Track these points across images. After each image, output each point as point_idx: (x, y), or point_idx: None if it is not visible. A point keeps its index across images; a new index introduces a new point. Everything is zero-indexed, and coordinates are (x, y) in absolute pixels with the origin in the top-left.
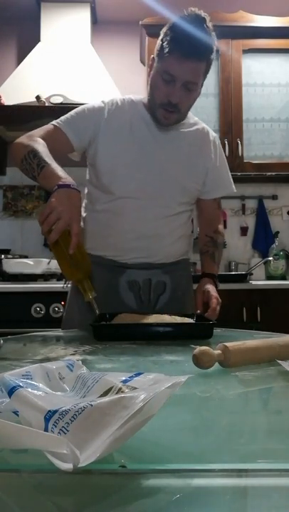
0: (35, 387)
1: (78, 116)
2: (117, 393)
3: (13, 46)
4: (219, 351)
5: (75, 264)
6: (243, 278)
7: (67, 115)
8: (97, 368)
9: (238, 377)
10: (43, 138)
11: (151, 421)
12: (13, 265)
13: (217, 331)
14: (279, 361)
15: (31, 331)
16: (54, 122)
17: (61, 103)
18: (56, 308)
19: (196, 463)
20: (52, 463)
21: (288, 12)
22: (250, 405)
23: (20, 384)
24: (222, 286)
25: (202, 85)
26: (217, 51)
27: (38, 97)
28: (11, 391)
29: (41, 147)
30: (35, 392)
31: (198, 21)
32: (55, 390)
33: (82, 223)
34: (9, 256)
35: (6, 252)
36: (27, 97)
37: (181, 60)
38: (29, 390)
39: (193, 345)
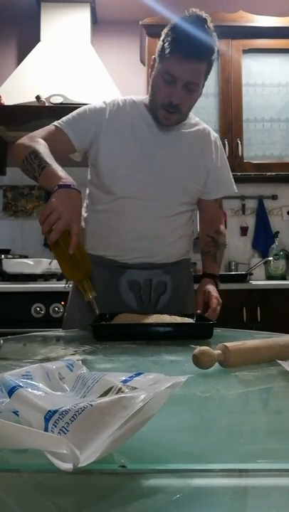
0: (35, 387)
1: (80, 117)
2: (117, 393)
3: (13, 46)
4: (219, 351)
5: (75, 264)
6: (243, 278)
7: (69, 116)
8: (97, 368)
9: (238, 377)
10: (45, 139)
11: (151, 421)
12: (13, 265)
13: (217, 331)
14: (279, 361)
15: (31, 331)
16: (55, 123)
17: (61, 103)
18: (56, 308)
19: (196, 463)
20: (52, 463)
21: (288, 12)
22: (250, 405)
23: (20, 384)
24: (222, 286)
25: (203, 86)
26: (217, 51)
27: (38, 97)
28: (11, 391)
29: (42, 148)
30: (35, 392)
31: (200, 22)
32: (55, 390)
33: (83, 223)
34: (9, 256)
35: (6, 252)
36: (27, 97)
37: (182, 61)
38: (29, 390)
39: (193, 345)
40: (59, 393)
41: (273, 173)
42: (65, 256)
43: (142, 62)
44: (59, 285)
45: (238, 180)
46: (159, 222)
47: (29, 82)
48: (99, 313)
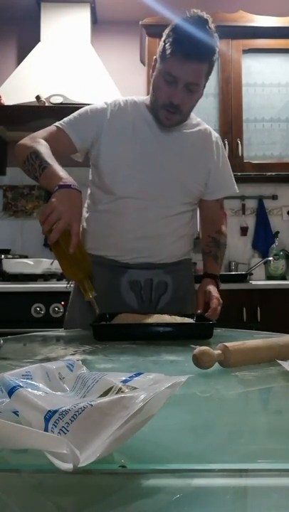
0: (35, 387)
1: (81, 118)
2: (117, 393)
3: (13, 46)
4: (219, 351)
5: (76, 263)
6: (243, 278)
7: (70, 116)
8: (97, 368)
9: (238, 377)
10: (46, 139)
11: (151, 421)
12: (13, 265)
13: (217, 331)
14: (279, 361)
15: (31, 331)
16: (57, 124)
17: (61, 103)
18: (56, 308)
19: (196, 463)
20: (52, 463)
21: (288, 12)
22: (250, 405)
23: (20, 384)
24: (222, 286)
25: (204, 86)
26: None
27: (38, 97)
28: (11, 391)
29: (43, 148)
30: (35, 392)
31: (201, 23)
32: (55, 390)
33: (84, 223)
34: (9, 256)
35: (6, 252)
36: (27, 97)
37: (183, 61)
38: (29, 390)
39: (193, 345)
40: (59, 393)
41: (273, 173)
42: (65, 256)
43: (142, 62)
44: (59, 285)
45: (238, 180)
46: (160, 222)
47: (29, 82)
48: (99, 312)
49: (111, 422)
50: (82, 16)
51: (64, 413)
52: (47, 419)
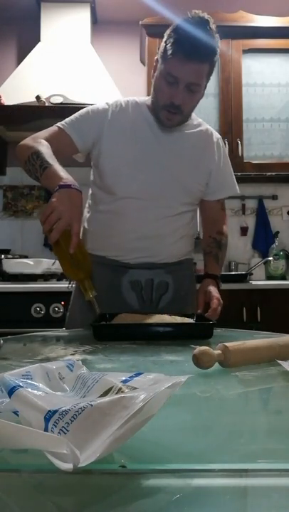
0: (35, 387)
1: (82, 118)
2: (117, 393)
3: (13, 46)
4: (219, 351)
5: (76, 263)
6: (243, 278)
7: (72, 117)
8: (97, 368)
9: (238, 377)
10: (48, 140)
11: (151, 421)
12: (13, 265)
13: (217, 331)
14: (279, 361)
15: (31, 331)
16: (59, 124)
17: (61, 103)
18: (56, 308)
19: (196, 463)
20: (52, 463)
21: (288, 12)
22: (250, 405)
23: (20, 384)
24: (222, 286)
25: (205, 87)
26: None
27: (38, 97)
28: (11, 391)
29: (44, 148)
30: (35, 392)
31: (202, 23)
32: (55, 390)
33: (85, 223)
34: (9, 256)
35: (6, 252)
36: (27, 97)
37: (184, 62)
38: (29, 390)
39: (193, 345)
40: (59, 393)
41: (273, 173)
42: (65, 255)
43: (142, 62)
44: (59, 285)
45: (238, 180)
46: (160, 222)
47: (29, 82)
48: (99, 312)
49: (111, 422)
50: (82, 16)
51: (64, 413)
52: (47, 419)
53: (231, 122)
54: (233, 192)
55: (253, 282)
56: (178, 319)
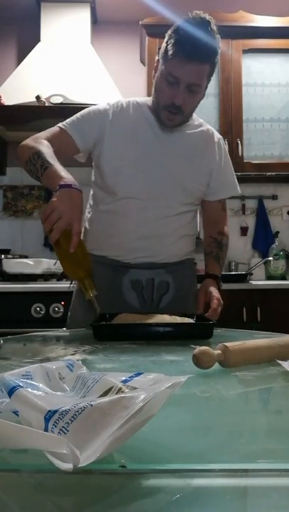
0: (35, 387)
1: (84, 119)
2: (117, 393)
3: (13, 46)
4: (219, 351)
5: (76, 262)
6: (243, 278)
7: (73, 117)
8: (97, 368)
9: (238, 377)
10: (49, 140)
11: (151, 421)
12: (13, 265)
13: (217, 331)
14: (279, 361)
15: (31, 331)
16: (60, 124)
17: (61, 103)
18: (56, 308)
19: (196, 463)
20: (52, 463)
21: (288, 12)
22: (250, 405)
23: (20, 384)
24: (222, 286)
25: (206, 87)
26: None
27: (38, 97)
28: (11, 391)
29: (45, 148)
30: (35, 392)
31: (203, 24)
32: (55, 390)
33: (86, 224)
34: (9, 256)
35: (6, 252)
36: (27, 97)
37: (185, 62)
38: (29, 390)
39: (193, 345)
40: (59, 393)
41: (273, 173)
42: (66, 255)
43: (142, 62)
44: (59, 285)
45: (238, 180)
46: (161, 222)
47: (29, 82)
48: (100, 311)
49: (111, 422)
50: (82, 16)
51: (64, 413)
52: (47, 419)
53: (231, 122)
54: (234, 192)
55: (253, 282)
56: (178, 319)
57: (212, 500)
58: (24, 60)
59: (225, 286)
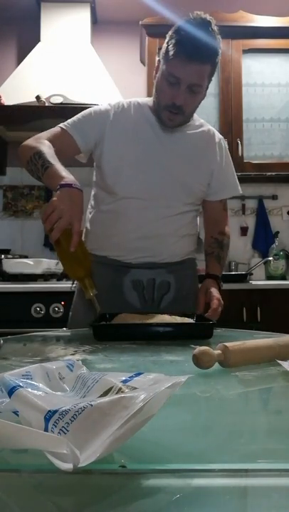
0: (35, 387)
1: (85, 119)
2: (117, 393)
3: (13, 46)
4: (219, 351)
5: (77, 262)
6: (243, 278)
7: (74, 118)
8: (97, 368)
9: (238, 377)
10: (50, 140)
11: (151, 421)
12: (13, 265)
13: (217, 331)
14: (279, 361)
15: (31, 331)
16: (61, 125)
17: (61, 103)
18: (56, 308)
19: (196, 463)
20: (52, 463)
21: (288, 12)
22: (250, 405)
23: (20, 384)
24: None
25: (207, 88)
26: None
27: (38, 97)
28: (11, 391)
29: (46, 148)
30: (35, 392)
31: (204, 24)
32: (55, 390)
33: (87, 224)
34: (9, 256)
35: (6, 252)
36: (27, 97)
37: (186, 63)
38: (29, 390)
39: (193, 345)
40: (59, 393)
41: (273, 173)
42: (66, 254)
43: (142, 62)
44: (59, 285)
45: (238, 180)
46: (161, 221)
47: (29, 82)
48: (100, 310)
49: (111, 422)
50: (82, 16)
51: (64, 413)
52: (47, 419)
53: (231, 122)
54: (236, 192)
55: (253, 282)
56: (178, 319)
57: (212, 500)
58: (24, 60)
59: (225, 286)
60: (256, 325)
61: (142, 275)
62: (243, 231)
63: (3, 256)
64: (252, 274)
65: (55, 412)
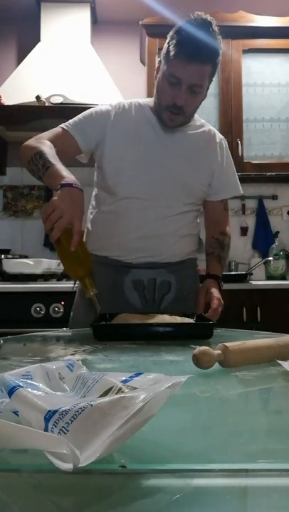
0: (35, 387)
1: (86, 120)
2: (117, 393)
3: (13, 46)
4: (219, 351)
5: (77, 261)
6: (243, 278)
7: (75, 118)
8: (97, 368)
9: (238, 377)
10: (51, 140)
11: (151, 421)
12: (13, 265)
13: (217, 331)
14: (279, 361)
15: (31, 331)
16: (62, 125)
17: (61, 103)
18: (56, 308)
19: (196, 463)
20: (52, 463)
21: (288, 12)
22: (250, 405)
23: (20, 384)
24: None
25: (208, 88)
26: None
27: (38, 97)
28: (11, 391)
29: (47, 148)
30: (35, 392)
31: (205, 25)
32: (55, 390)
33: (88, 224)
34: (9, 256)
35: (6, 252)
36: (27, 97)
37: (186, 63)
38: (29, 390)
39: (193, 345)
40: (59, 393)
41: (273, 173)
42: (67, 254)
43: (142, 62)
44: (59, 285)
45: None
46: (161, 221)
47: (29, 82)
48: (100, 309)
49: (111, 422)
50: (82, 16)
51: (64, 413)
52: (47, 419)
53: (231, 122)
54: (236, 192)
55: (253, 282)
56: (178, 319)
57: (212, 500)
58: (24, 60)
59: (225, 286)
60: (256, 325)
61: (143, 275)
62: (243, 231)
63: (3, 256)
64: (252, 274)
65: (55, 412)
